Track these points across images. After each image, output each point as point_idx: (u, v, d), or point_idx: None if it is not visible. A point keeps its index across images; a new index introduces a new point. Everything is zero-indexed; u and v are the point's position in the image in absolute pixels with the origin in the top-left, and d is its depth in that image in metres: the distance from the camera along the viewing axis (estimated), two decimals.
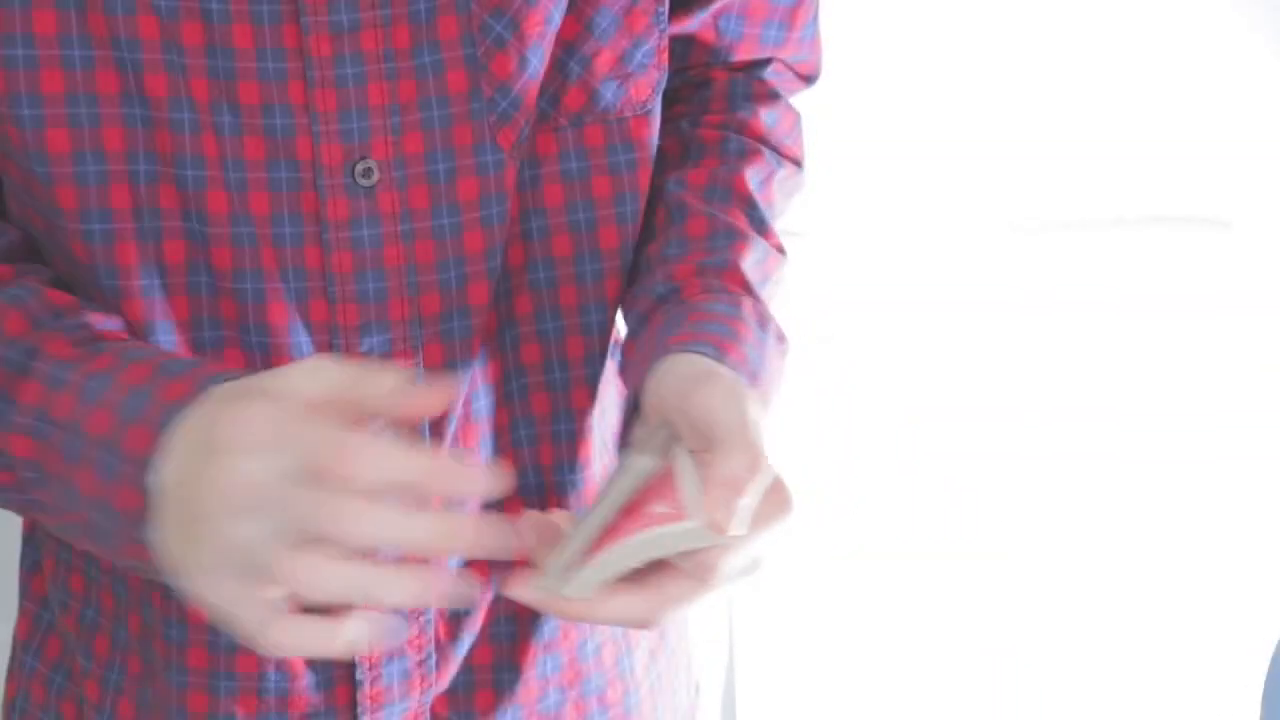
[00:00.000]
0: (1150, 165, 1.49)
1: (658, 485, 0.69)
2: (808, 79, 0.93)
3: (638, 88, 0.80)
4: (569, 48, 0.78)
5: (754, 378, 0.75)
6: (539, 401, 0.82)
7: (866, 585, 1.62)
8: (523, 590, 0.67)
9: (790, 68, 0.91)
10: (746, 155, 0.86)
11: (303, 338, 0.75)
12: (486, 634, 0.83)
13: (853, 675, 1.64)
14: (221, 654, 0.79)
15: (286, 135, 0.72)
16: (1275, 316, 1.51)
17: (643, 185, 0.82)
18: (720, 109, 0.88)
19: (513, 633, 0.83)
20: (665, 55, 0.81)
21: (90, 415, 0.66)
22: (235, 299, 0.74)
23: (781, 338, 0.80)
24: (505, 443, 0.81)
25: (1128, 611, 1.59)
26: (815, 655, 1.64)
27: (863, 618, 1.63)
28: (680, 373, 0.72)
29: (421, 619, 0.80)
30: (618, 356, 0.87)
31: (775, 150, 0.88)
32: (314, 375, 0.62)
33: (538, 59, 0.76)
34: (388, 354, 0.76)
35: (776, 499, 0.69)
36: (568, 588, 0.67)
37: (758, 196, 0.85)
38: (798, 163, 0.91)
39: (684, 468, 0.68)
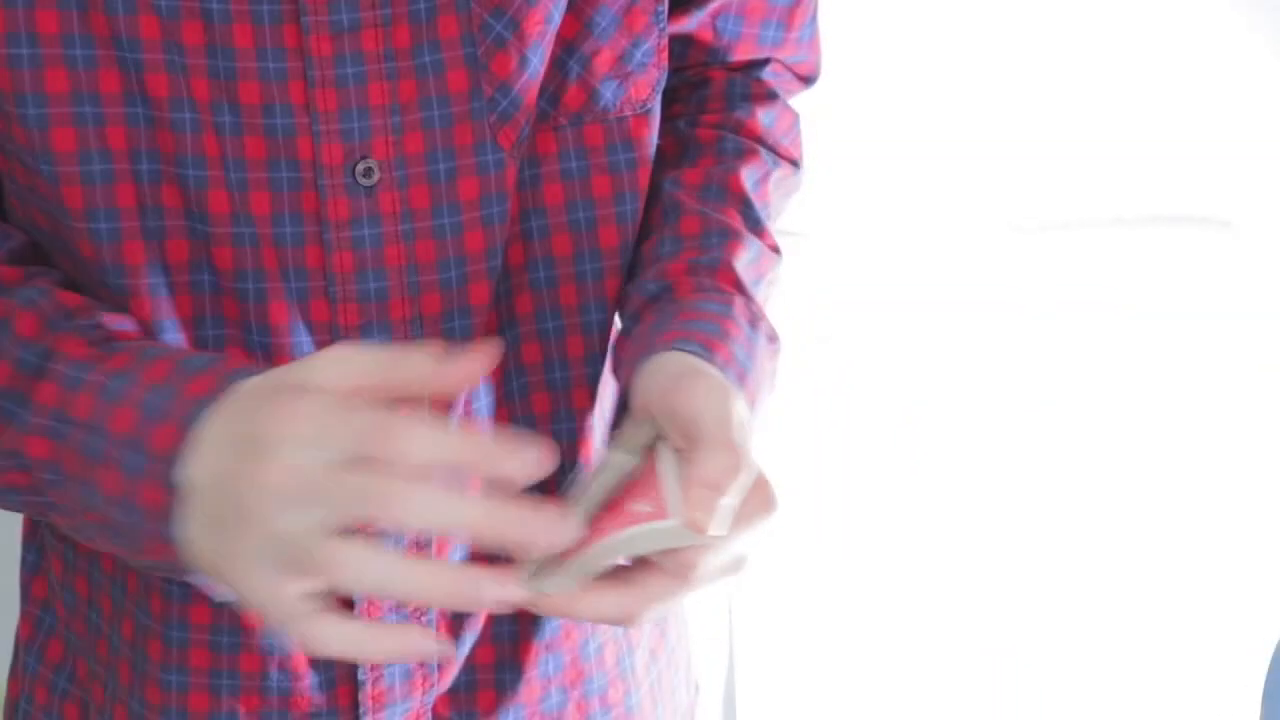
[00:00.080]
0: (1150, 165, 1.49)
1: (641, 483, 0.69)
2: (806, 80, 0.93)
3: (637, 87, 0.80)
4: (568, 47, 0.78)
5: (742, 377, 0.75)
6: (539, 401, 0.82)
7: (866, 584, 1.62)
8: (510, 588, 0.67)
9: (789, 68, 0.91)
10: (743, 155, 0.86)
11: (304, 337, 0.75)
12: (488, 634, 0.83)
13: (853, 675, 1.64)
14: (224, 654, 0.79)
15: (287, 135, 0.72)
16: (1275, 317, 1.51)
17: (642, 184, 0.82)
18: (718, 109, 0.88)
19: (514, 632, 0.83)
20: (665, 54, 0.81)
21: (113, 414, 0.66)
22: (237, 298, 0.74)
23: (773, 338, 0.80)
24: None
25: (1127, 611, 1.59)
26: (815, 655, 1.64)
27: (862, 617, 1.63)
28: (666, 371, 0.72)
29: (423, 619, 0.80)
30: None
31: (772, 150, 0.88)
32: (343, 364, 0.63)
33: (538, 58, 0.76)
34: None
35: (760, 498, 0.69)
36: (548, 584, 0.67)
37: (753, 196, 0.85)
38: (795, 163, 0.91)
39: (667, 466, 0.68)
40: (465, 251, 0.76)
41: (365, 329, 0.75)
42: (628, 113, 0.80)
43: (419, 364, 0.62)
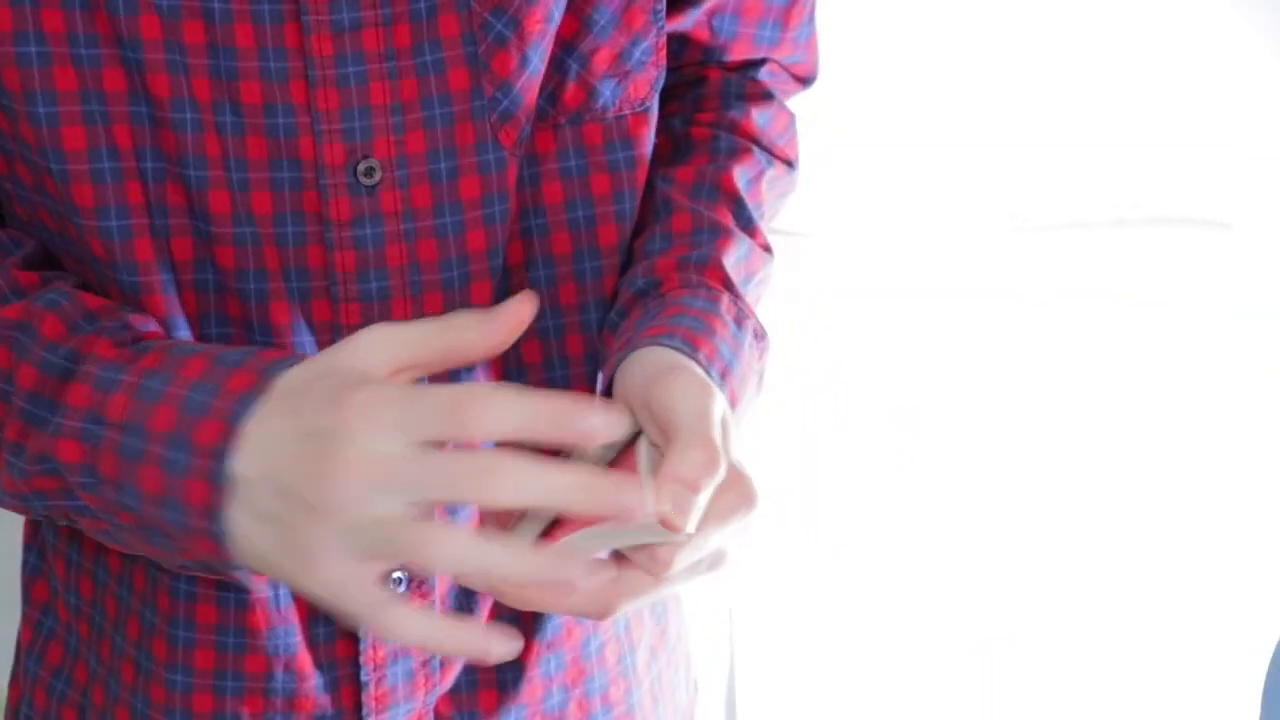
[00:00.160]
0: (1151, 166, 1.49)
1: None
2: (803, 81, 0.93)
3: (636, 86, 0.80)
4: (567, 45, 0.78)
5: (725, 374, 0.75)
6: None
7: (866, 582, 1.62)
8: (474, 575, 0.67)
9: (785, 68, 0.91)
10: (736, 154, 0.86)
11: (306, 337, 0.75)
12: None
13: (853, 673, 1.64)
14: (229, 654, 0.79)
15: (289, 135, 0.72)
16: (1275, 317, 1.52)
17: (641, 183, 0.82)
18: (713, 108, 0.88)
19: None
20: (664, 53, 0.81)
21: (152, 412, 0.66)
22: (239, 298, 0.74)
23: (761, 336, 0.80)
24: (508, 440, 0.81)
25: (1127, 611, 1.59)
26: (815, 653, 1.64)
27: (862, 614, 1.63)
28: (647, 365, 0.72)
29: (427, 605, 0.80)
30: None
31: (767, 150, 0.88)
32: (384, 345, 0.63)
33: (539, 57, 0.76)
34: None
35: (739, 494, 0.67)
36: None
37: (745, 195, 0.85)
38: (790, 163, 0.91)
39: (644, 461, 0.68)
40: (467, 251, 0.76)
41: (359, 331, 0.75)
42: (626, 111, 0.80)
43: (461, 330, 0.63)
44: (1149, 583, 1.58)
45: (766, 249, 0.85)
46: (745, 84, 0.89)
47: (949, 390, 1.56)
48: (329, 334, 0.75)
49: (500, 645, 0.62)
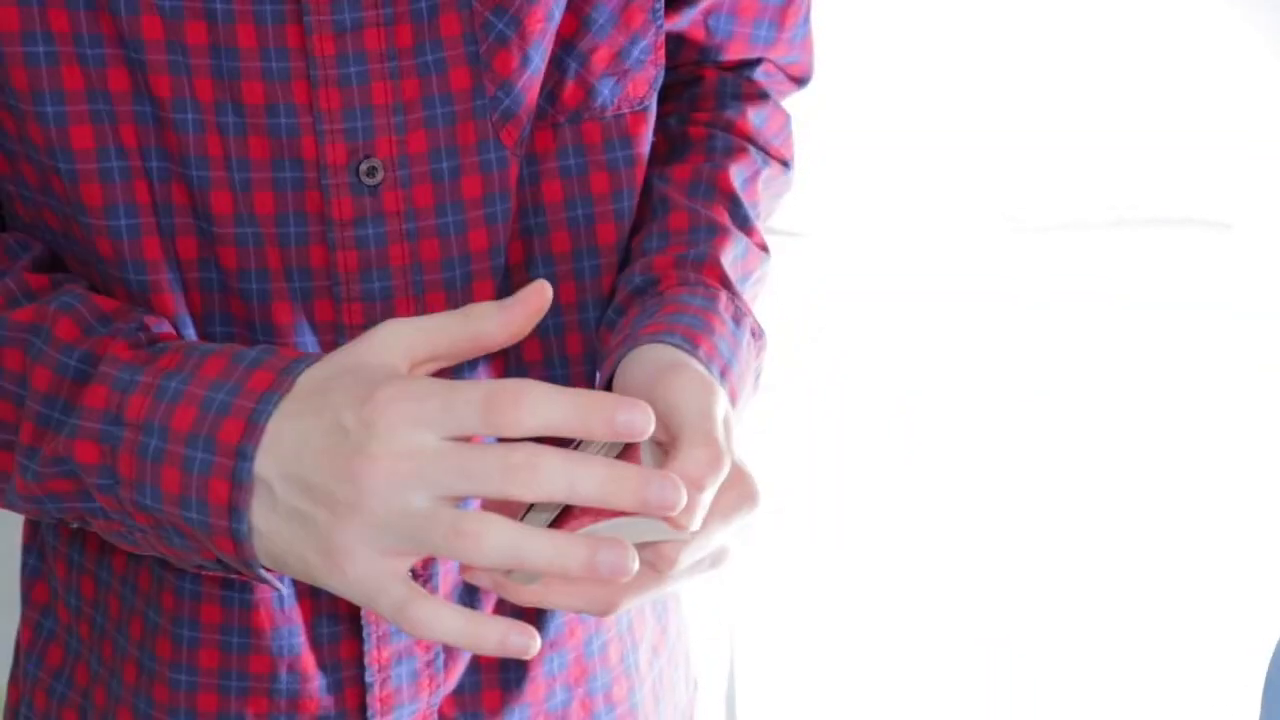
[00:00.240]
0: (1151, 167, 1.50)
1: None
2: (799, 81, 0.93)
3: (635, 84, 0.80)
4: (566, 44, 0.78)
5: (725, 371, 0.75)
6: None
7: (863, 582, 1.62)
8: (475, 573, 0.67)
9: (781, 69, 0.91)
10: (732, 153, 0.86)
11: (308, 337, 0.75)
12: None
13: (852, 671, 1.64)
14: (234, 654, 0.79)
15: (291, 135, 0.72)
16: (1275, 317, 1.52)
17: (639, 182, 0.82)
18: (708, 107, 0.88)
19: None
20: (662, 52, 0.81)
21: (173, 412, 0.65)
22: (242, 298, 0.74)
23: (758, 334, 0.80)
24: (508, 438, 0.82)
25: (1127, 611, 1.59)
26: (815, 652, 1.64)
27: (861, 614, 1.63)
28: (649, 363, 0.72)
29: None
30: None
31: (762, 150, 0.88)
32: (401, 339, 0.64)
33: (540, 56, 0.76)
34: None
35: (741, 492, 0.68)
36: (520, 573, 0.66)
37: (741, 194, 0.85)
38: (785, 163, 0.91)
39: (646, 459, 0.68)
40: (469, 250, 0.76)
41: (370, 329, 0.75)
42: (625, 110, 0.81)
43: (479, 320, 0.63)
44: (1149, 582, 1.58)
45: (763, 248, 0.85)
46: (741, 84, 0.89)
47: (947, 391, 1.57)
48: (331, 334, 0.75)
49: (522, 639, 0.62)
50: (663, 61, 0.81)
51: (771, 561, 1.61)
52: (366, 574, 0.61)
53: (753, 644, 1.65)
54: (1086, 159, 1.50)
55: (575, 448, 0.70)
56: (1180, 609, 1.58)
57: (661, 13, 0.80)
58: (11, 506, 0.73)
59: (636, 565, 0.60)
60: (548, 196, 0.80)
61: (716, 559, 0.69)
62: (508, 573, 0.66)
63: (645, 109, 0.81)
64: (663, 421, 0.68)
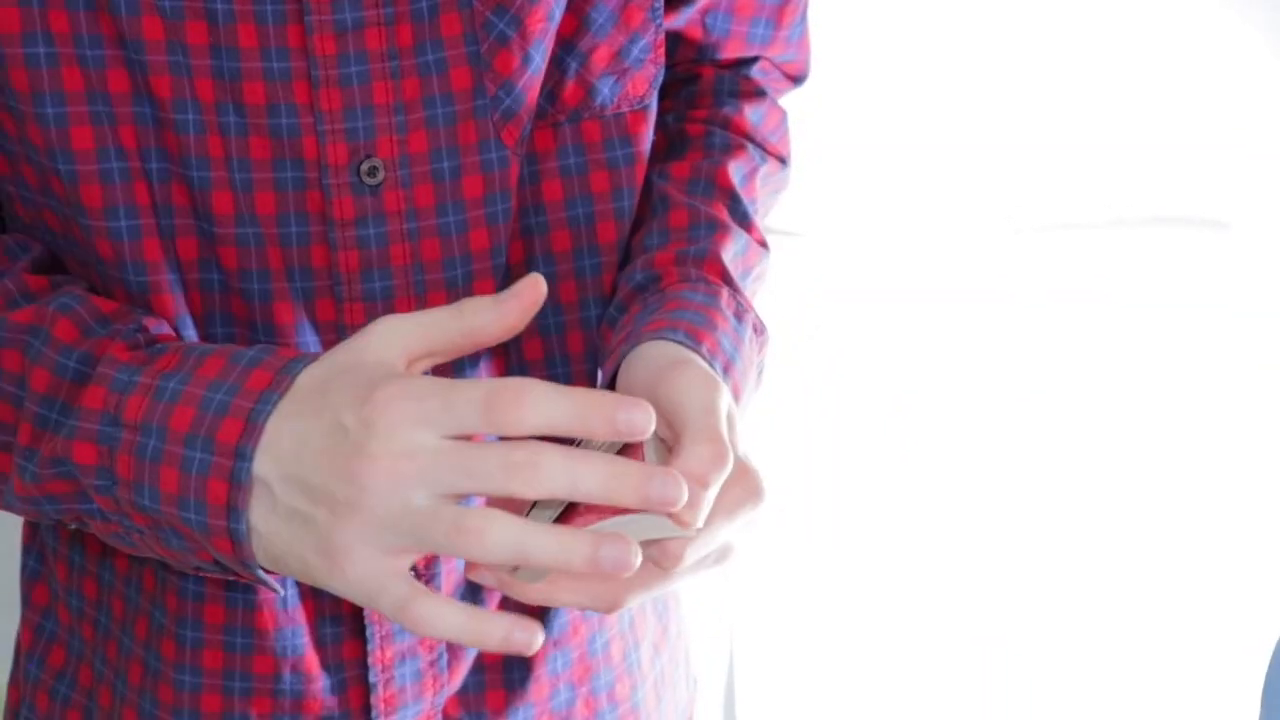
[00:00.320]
0: (1150, 167, 1.50)
1: None
2: (795, 79, 0.93)
3: (634, 83, 0.81)
4: (566, 43, 0.78)
5: (728, 368, 0.75)
6: None
7: (861, 580, 1.62)
8: (480, 571, 0.67)
9: (777, 67, 0.91)
10: (730, 150, 0.86)
11: (310, 337, 0.75)
12: None
13: (851, 669, 1.64)
14: (238, 654, 0.79)
15: (292, 135, 0.72)
16: (1273, 317, 1.52)
17: (639, 180, 0.82)
18: (706, 105, 0.88)
19: None
20: (662, 51, 0.81)
21: (171, 412, 0.65)
22: (243, 298, 0.74)
23: (760, 330, 0.80)
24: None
25: (1127, 611, 1.59)
26: (813, 650, 1.64)
27: (859, 613, 1.63)
28: (652, 360, 0.72)
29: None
30: None
31: (760, 147, 0.88)
32: (398, 335, 0.64)
33: (540, 55, 0.76)
34: None
35: (746, 488, 0.68)
36: (525, 571, 0.66)
37: (740, 190, 0.85)
38: (783, 160, 0.91)
39: (651, 456, 0.68)
40: (470, 250, 0.76)
41: (366, 326, 0.75)
42: (625, 109, 0.81)
43: (475, 314, 0.63)
44: (1149, 582, 1.58)
45: (762, 244, 0.85)
46: (738, 81, 0.89)
47: (944, 391, 1.57)
48: (333, 334, 0.75)
49: (525, 635, 0.62)
50: (663, 60, 0.82)
51: (770, 560, 1.61)
52: (367, 573, 0.61)
53: (752, 642, 1.65)
54: (1084, 158, 1.50)
55: (576, 445, 0.70)
56: (1180, 609, 1.58)
57: (661, 12, 0.81)
58: (9, 508, 0.73)
59: (639, 560, 0.60)
60: (548, 195, 0.80)
61: (721, 555, 0.69)
62: (513, 571, 0.66)
63: (645, 108, 0.81)
64: (666, 418, 0.68)
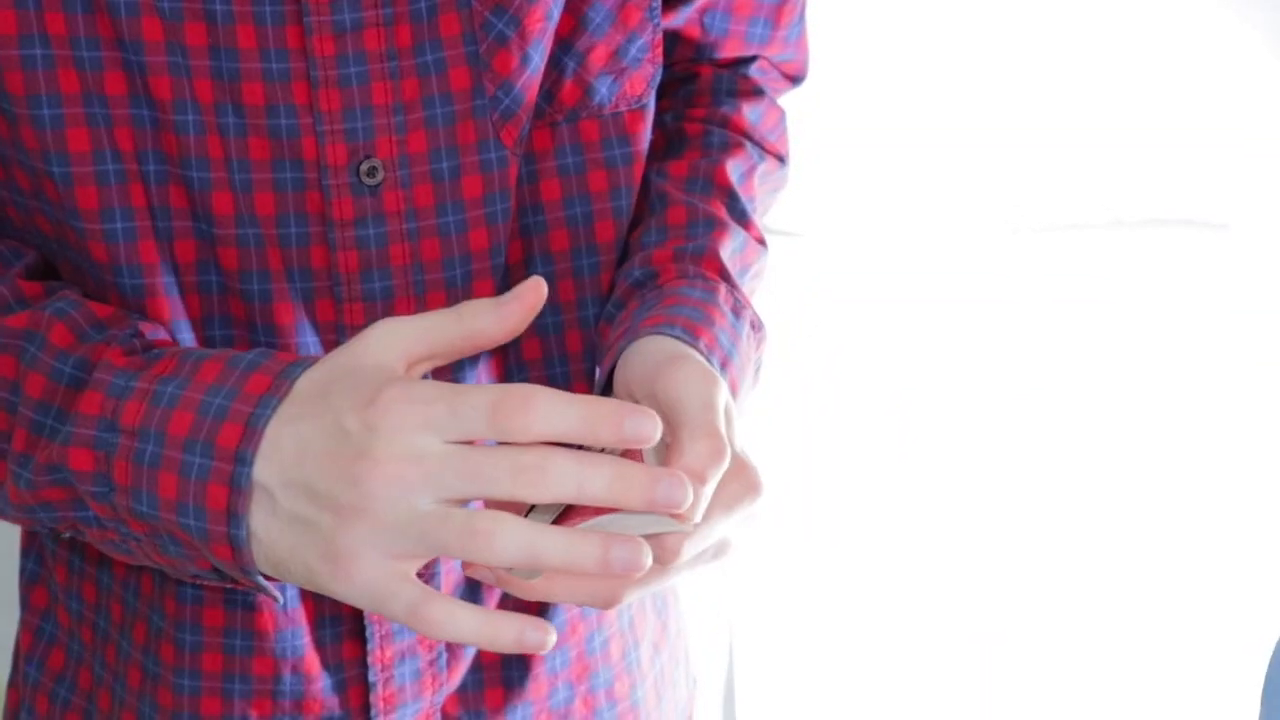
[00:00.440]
0: (1149, 168, 1.50)
1: None
2: (793, 79, 0.93)
3: (632, 83, 0.81)
4: (564, 43, 0.78)
5: (725, 363, 0.75)
6: None
7: (860, 579, 1.62)
8: (478, 568, 0.67)
9: (776, 66, 0.91)
10: (728, 148, 0.86)
11: (310, 338, 0.75)
12: None
13: (851, 668, 1.64)
14: (237, 657, 0.79)
15: (291, 136, 0.72)
16: (1272, 317, 1.52)
17: (637, 179, 0.82)
18: (704, 104, 0.88)
19: None
20: (660, 50, 0.81)
21: (169, 417, 0.65)
22: (243, 299, 0.74)
23: (757, 327, 0.80)
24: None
25: (1126, 611, 1.59)
26: (813, 649, 1.64)
27: (857, 611, 1.63)
28: (650, 355, 0.72)
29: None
30: None
31: (758, 145, 0.89)
32: (396, 339, 0.63)
33: (539, 55, 0.76)
34: None
35: (743, 483, 0.68)
36: (522, 569, 0.65)
37: (738, 188, 0.85)
38: (781, 159, 0.91)
39: (648, 451, 0.68)
40: (470, 249, 0.76)
41: (365, 329, 0.75)
42: (623, 108, 0.81)
43: (475, 317, 0.63)
44: (1149, 582, 1.58)
45: (761, 242, 0.85)
46: (736, 80, 0.89)
47: (942, 391, 1.57)
48: (333, 334, 0.75)
49: (538, 634, 0.62)
50: (660, 60, 0.82)
51: (769, 559, 1.61)
52: (374, 577, 0.61)
53: (751, 641, 1.65)
54: (1083, 159, 1.50)
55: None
56: (1180, 609, 1.58)
57: (659, 11, 0.81)
58: (2, 515, 0.72)
59: (650, 561, 0.60)
60: (546, 195, 0.80)
61: (719, 550, 0.69)
62: (509, 568, 0.66)
63: (643, 107, 0.82)
64: (664, 413, 0.68)
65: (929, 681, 1.63)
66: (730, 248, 0.81)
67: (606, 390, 0.76)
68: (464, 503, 0.61)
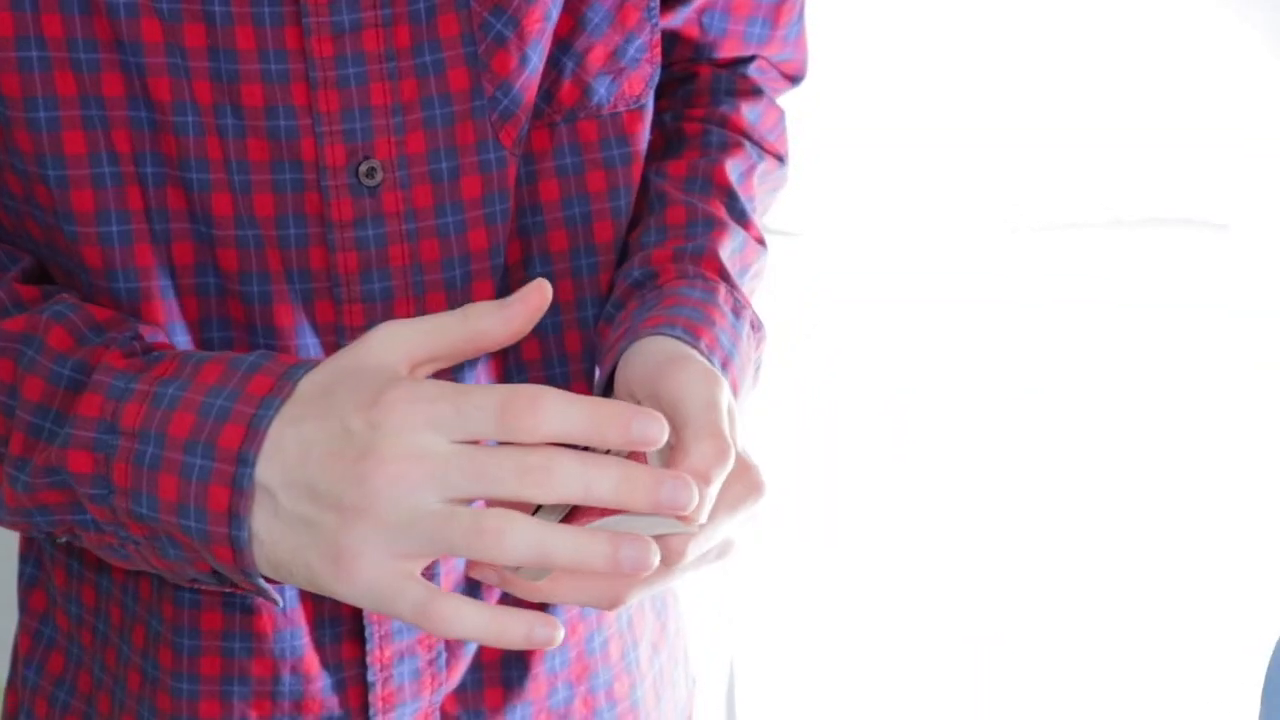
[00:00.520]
0: (1149, 167, 1.50)
1: None
2: (792, 79, 0.94)
3: (630, 83, 0.81)
4: (562, 43, 0.78)
5: (726, 363, 0.75)
6: None
7: (860, 579, 1.62)
8: (482, 568, 0.67)
9: (774, 66, 0.91)
10: (728, 148, 0.86)
11: (309, 339, 0.75)
12: None
13: (851, 668, 1.64)
14: (236, 659, 0.79)
15: (290, 137, 0.72)
16: (1272, 317, 1.52)
17: (636, 179, 0.82)
18: (703, 103, 0.88)
19: None
20: (658, 50, 0.81)
21: (170, 419, 0.65)
22: (242, 301, 0.74)
23: (757, 326, 0.80)
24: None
25: (1126, 611, 1.59)
26: (813, 649, 1.64)
27: (856, 611, 1.63)
28: (651, 355, 0.72)
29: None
30: None
31: (757, 145, 0.89)
32: (398, 341, 0.63)
33: (538, 56, 0.76)
34: None
35: (747, 484, 0.68)
36: (527, 569, 0.66)
37: (738, 188, 0.85)
38: (780, 158, 0.91)
39: (652, 452, 0.68)
40: (469, 250, 0.76)
41: (368, 331, 0.75)
42: (621, 108, 0.81)
43: (479, 319, 0.63)
44: (1149, 583, 1.58)
45: (760, 242, 0.85)
46: (735, 80, 0.89)
47: (942, 390, 1.57)
48: (332, 335, 0.75)
49: (547, 631, 0.61)
50: (659, 60, 0.82)
51: (769, 559, 1.61)
52: (379, 577, 0.61)
53: (752, 641, 1.65)
54: (1082, 159, 1.50)
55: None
56: (1180, 609, 1.58)
57: (657, 11, 0.81)
58: None
59: (658, 560, 0.60)
60: (545, 195, 0.80)
61: (723, 550, 0.69)
62: (515, 569, 0.66)
63: (642, 107, 0.82)
64: (667, 414, 0.68)
65: (929, 682, 1.63)
66: (730, 247, 0.81)
67: (607, 391, 0.76)
68: (468, 502, 0.61)
